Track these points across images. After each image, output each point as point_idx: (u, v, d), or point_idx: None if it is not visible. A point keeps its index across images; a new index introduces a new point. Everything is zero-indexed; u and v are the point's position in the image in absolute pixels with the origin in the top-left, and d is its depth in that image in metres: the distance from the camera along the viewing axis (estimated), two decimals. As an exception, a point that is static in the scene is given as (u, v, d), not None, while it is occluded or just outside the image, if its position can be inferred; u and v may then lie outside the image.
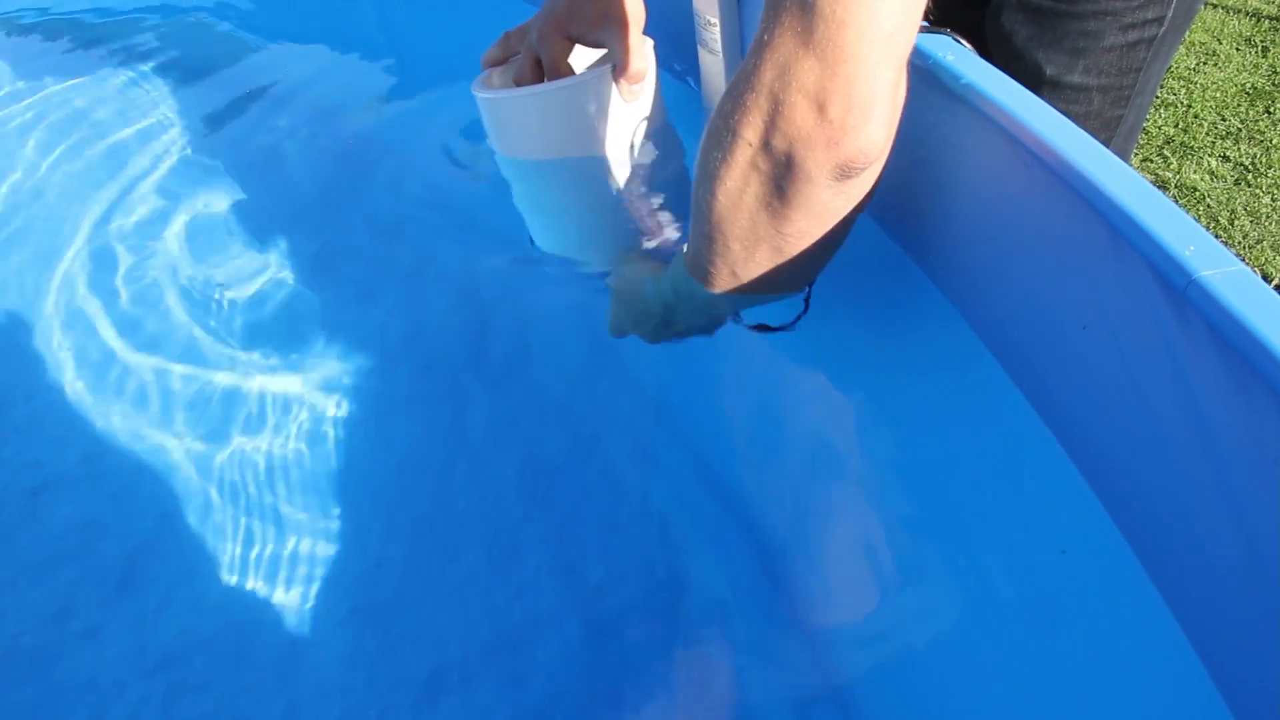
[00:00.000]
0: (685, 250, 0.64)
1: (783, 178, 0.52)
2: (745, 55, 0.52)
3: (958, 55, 0.58)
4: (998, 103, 0.54)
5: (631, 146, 0.73)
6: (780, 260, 0.57)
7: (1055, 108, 0.87)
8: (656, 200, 0.77)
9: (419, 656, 0.68)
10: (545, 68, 0.72)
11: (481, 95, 0.72)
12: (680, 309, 0.66)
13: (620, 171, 0.73)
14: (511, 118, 0.73)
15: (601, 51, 0.78)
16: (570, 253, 0.81)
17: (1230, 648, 0.44)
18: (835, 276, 0.61)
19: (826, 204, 0.53)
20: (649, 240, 0.76)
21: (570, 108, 0.70)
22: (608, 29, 0.71)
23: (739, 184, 0.54)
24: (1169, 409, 0.44)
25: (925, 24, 0.61)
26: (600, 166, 0.73)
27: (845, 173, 0.51)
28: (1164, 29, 0.83)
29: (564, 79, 0.70)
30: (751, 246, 0.56)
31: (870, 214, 0.62)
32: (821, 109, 0.49)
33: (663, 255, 0.74)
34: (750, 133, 0.51)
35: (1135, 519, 0.50)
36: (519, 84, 0.72)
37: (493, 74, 0.76)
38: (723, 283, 0.60)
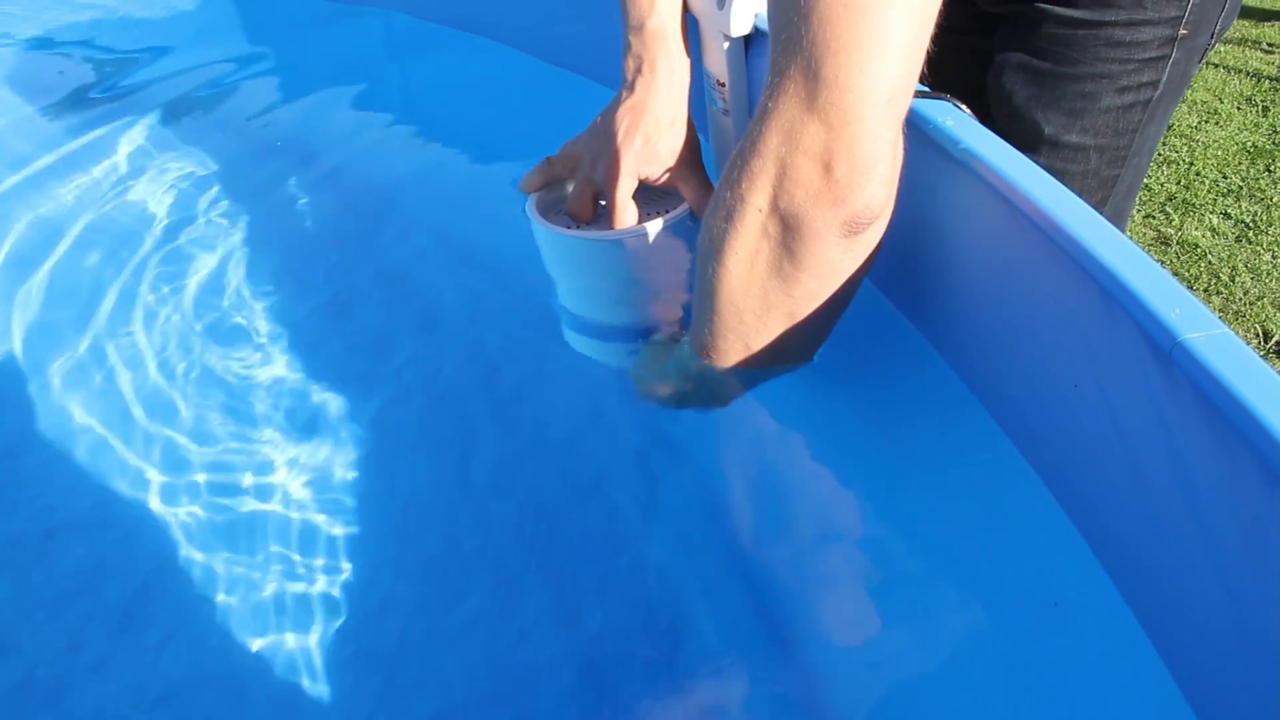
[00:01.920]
0: (688, 336, 0.64)
1: (792, 239, 0.53)
2: (750, 123, 0.54)
3: (957, 120, 0.60)
4: (994, 167, 0.55)
5: (674, 238, 0.74)
6: (793, 326, 0.58)
7: (1054, 166, 0.89)
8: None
9: (420, 701, 0.69)
10: (614, 206, 0.70)
11: (569, 236, 0.72)
12: (693, 394, 0.67)
13: (666, 261, 0.74)
14: (589, 252, 0.73)
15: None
16: (600, 317, 0.81)
17: (1218, 694, 0.45)
18: (837, 336, 0.62)
19: (835, 262, 0.55)
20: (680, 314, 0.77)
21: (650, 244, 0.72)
22: (681, 168, 0.71)
23: (750, 253, 0.55)
24: (1156, 463, 0.46)
25: (925, 89, 0.63)
26: (650, 259, 0.74)
27: (852, 229, 0.53)
28: (1158, 93, 0.86)
29: (654, 221, 0.70)
30: (764, 315, 0.57)
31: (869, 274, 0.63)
32: (827, 168, 0.51)
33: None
34: (759, 198, 0.53)
35: (1126, 570, 0.51)
36: (573, 216, 0.73)
37: (539, 196, 0.76)
38: (733, 358, 0.61)
